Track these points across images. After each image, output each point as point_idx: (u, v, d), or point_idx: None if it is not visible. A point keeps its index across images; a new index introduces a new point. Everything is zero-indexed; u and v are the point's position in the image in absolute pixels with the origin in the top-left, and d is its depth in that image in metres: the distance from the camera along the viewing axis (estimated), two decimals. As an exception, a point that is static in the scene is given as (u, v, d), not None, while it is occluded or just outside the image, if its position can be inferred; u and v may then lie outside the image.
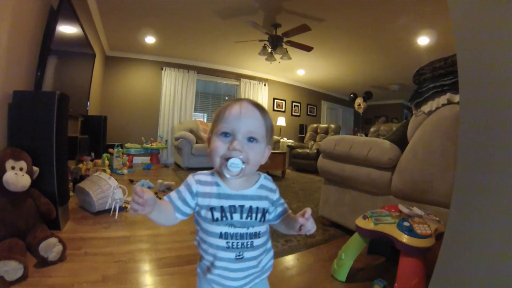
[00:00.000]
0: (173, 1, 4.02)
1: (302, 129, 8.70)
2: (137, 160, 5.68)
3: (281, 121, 8.18)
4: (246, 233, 0.74)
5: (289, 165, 6.60)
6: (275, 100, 8.50)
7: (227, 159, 0.69)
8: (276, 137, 6.73)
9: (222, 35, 5.24)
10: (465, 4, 0.88)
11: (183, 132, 5.56)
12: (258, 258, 0.77)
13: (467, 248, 0.85)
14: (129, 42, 5.66)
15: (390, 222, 1.45)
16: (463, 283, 0.85)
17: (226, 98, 7.68)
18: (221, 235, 0.72)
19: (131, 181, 3.64)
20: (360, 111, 8.12)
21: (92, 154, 3.71)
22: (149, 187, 3.38)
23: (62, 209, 1.95)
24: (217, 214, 0.71)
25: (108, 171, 3.49)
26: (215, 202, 0.72)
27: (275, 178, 4.69)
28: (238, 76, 7.63)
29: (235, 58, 6.70)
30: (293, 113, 8.94)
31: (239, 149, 0.70)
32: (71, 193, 2.39)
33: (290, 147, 6.76)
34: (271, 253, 0.84)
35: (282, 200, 0.84)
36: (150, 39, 5.52)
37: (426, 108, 1.80)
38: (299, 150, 6.50)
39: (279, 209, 0.83)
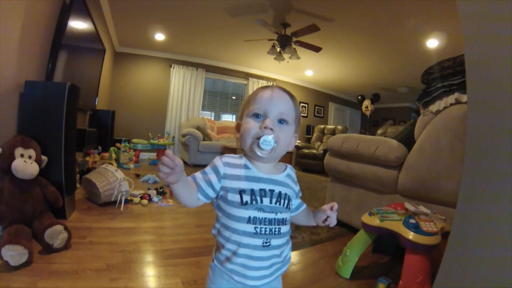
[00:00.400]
0: (184, -1, 4.04)
1: (309, 130, 8.67)
2: (143, 155, 5.71)
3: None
4: (275, 219, 0.72)
5: (296, 165, 6.59)
6: (283, 101, 8.46)
7: (259, 138, 0.69)
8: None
9: (231, 33, 5.25)
10: (474, 4, 0.88)
11: (190, 129, 5.58)
12: (282, 248, 0.75)
13: (472, 247, 0.85)
14: (139, 38, 5.69)
15: (396, 219, 1.44)
16: (468, 282, 0.84)
17: (234, 97, 7.69)
18: (249, 220, 0.69)
19: (137, 176, 3.66)
20: (368, 113, 8.08)
21: (100, 147, 3.74)
22: (155, 182, 3.39)
23: (69, 198, 1.96)
24: (246, 197, 0.69)
25: (115, 164, 3.51)
26: (244, 185, 0.71)
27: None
28: (247, 75, 7.64)
29: (243, 57, 6.71)
30: (301, 114, 8.88)
31: (271, 127, 0.70)
32: (77, 185, 2.41)
33: (297, 147, 6.76)
34: (290, 245, 0.81)
35: (300, 194, 0.86)
36: (159, 36, 5.55)
37: (434, 107, 1.79)
38: (306, 151, 6.49)
39: (298, 201, 0.85)
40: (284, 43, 4.80)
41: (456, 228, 0.91)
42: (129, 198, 2.48)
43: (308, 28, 4.31)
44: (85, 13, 2.80)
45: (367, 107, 8.02)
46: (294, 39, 4.80)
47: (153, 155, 5.73)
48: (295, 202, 0.83)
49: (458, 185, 1.43)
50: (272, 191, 0.72)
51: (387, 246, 1.84)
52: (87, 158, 3.22)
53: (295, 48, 5.01)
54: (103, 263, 1.43)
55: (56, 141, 1.84)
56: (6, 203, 1.51)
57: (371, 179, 2.04)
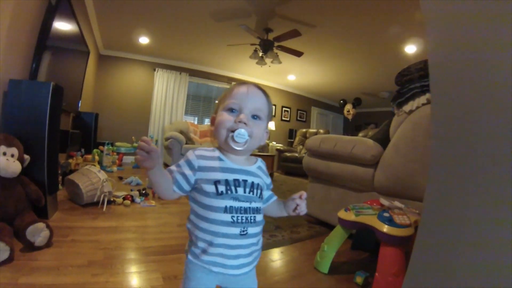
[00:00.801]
0: (169, 2, 4.07)
1: (292, 134, 8.77)
2: (127, 159, 5.67)
3: (270, 125, 8.19)
4: (250, 208, 0.75)
5: (278, 169, 6.67)
6: (266, 105, 8.53)
7: (233, 131, 0.72)
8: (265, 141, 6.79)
9: (215, 38, 5.30)
10: (437, 8, 0.94)
11: (173, 132, 5.58)
12: (259, 236, 0.79)
13: (441, 235, 0.89)
14: (123, 41, 5.68)
15: (371, 214, 1.51)
16: (438, 268, 0.89)
17: (217, 101, 7.70)
18: (226, 209, 0.72)
19: (120, 178, 3.65)
20: (350, 117, 8.24)
21: (82, 150, 3.72)
22: (137, 184, 3.40)
23: (51, 198, 1.96)
24: (222, 188, 0.72)
25: (98, 166, 3.49)
26: (219, 176, 0.74)
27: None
28: (230, 80, 7.69)
29: (227, 61, 6.76)
30: (283, 118, 9.01)
31: (245, 121, 0.74)
32: (60, 187, 2.40)
33: (279, 151, 6.84)
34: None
35: (271, 185, 0.90)
36: (144, 40, 5.55)
37: (407, 107, 1.89)
38: (288, 154, 6.58)
39: (269, 193, 0.89)
40: (266, 48, 4.88)
41: (424, 219, 0.97)
42: (111, 199, 2.48)
43: (289, 33, 4.41)
44: (70, 15, 2.81)
45: (349, 111, 8.18)
46: (276, 44, 4.89)
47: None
48: (266, 193, 0.87)
49: None
50: (245, 181, 0.76)
51: (365, 243, 1.91)
52: (70, 160, 3.20)
53: (276, 53, 5.10)
54: (85, 260, 1.44)
55: (39, 140, 1.84)
56: (-12, 200, 1.51)
57: (349, 178, 2.11)
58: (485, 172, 0.76)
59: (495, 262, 0.72)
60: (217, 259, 0.73)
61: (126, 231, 1.92)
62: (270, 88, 8.54)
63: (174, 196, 0.76)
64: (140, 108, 6.55)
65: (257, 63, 5.48)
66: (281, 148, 7.00)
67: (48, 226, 1.53)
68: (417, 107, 1.82)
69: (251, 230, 0.75)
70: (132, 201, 2.60)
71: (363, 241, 1.91)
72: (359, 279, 1.46)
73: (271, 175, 5.29)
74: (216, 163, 0.76)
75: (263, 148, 6.44)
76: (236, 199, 0.73)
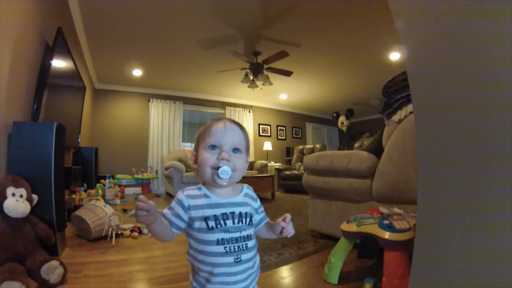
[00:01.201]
0: (158, 34, 4.23)
1: (289, 151, 8.85)
2: (128, 190, 5.70)
3: (267, 145, 8.32)
4: (240, 237, 0.79)
5: (279, 188, 6.69)
6: (260, 126, 8.69)
7: (217, 168, 0.77)
8: (263, 162, 6.85)
9: (206, 65, 5.45)
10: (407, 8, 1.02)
11: (172, 161, 5.63)
12: (253, 260, 0.82)
13: (436, 236, 0.95)
14: (117, 75, 5.82)
15: (371, 223, 1.56)
16: (439, 264, 0.94)
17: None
18: (218, 242, 0.76)
19: (125, 211, 3.68)
20: (344, 129, 8.36)
21: (85, 184, 3.76)
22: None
23: (60, 235, 2.00)
24: (211, 223, 0.77)
25: (102, 200, 3.52)
26: (208, 212, 0.78)
27: (265, 200, 4.82)
28: (223, 104, 7.83)
29: (219, 87, 6.91)
30: (279, 137, 9.11)
31: (227, 158, 0.79)
32: (67, 223, 2.43)
33: (278, 170, 6.89)
34: (258, 256, 0.89)
35: (262, 209, 0.94)
36: (137, 72, 5.70)
37: (396, 117, 1.96)
38: (287, 172, 6.62)
39: (260, 216, 0.93)
40: (256, 71, 5.01)
41: (420, 221, 1.02)
42: (119, 232, 2.51)
43: (278, 54, 4.56)
44: (67, 53, 2.91)
45: (342, 123, 8.30)
46: (265, 66, 5.03)
47: (138, 190, 5.74)
48: (257, 217, 0.91)
49: None
50: (232, 213, 0.80)
51: (370, 251, 1.94)
52: (73, 196, 3.24)
53: (267, 75, 5.24)
54: (101, 294, 1.47)
55: (45, 179, 1.90)
56: (-1, 241, 1.54)
57: (347, 190, 2.16)
58: (470, 171, 0.81)
59: (488, 253, 0.77)
60: (219, 286, 0.78)
61: (136, 263, 1.95)
62: (263, 109, 8.68)
63: (173, 237, 0.81)
64: (138, 139, 6.64)
65: (249, 86, 5.61)
66: (280, 167, 7.05)
67: (61, 264, 1.56)
68: (405, 116, 1.89)
69: (245, 256, 0.79)
70: (140, 232, 2.62)
71: (368, 249, 1.94)
72: (368, 286, 1.49)
73: (272, 195, 5.32)
74: (203, 201, 0.81)
75: (262, 169, 6.49)
76: (226, 231, 0.78)
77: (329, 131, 10.60)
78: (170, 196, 5.68)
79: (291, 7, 3.60)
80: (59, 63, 2.74)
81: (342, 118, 8.31)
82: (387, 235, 1.44)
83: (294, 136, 9.54)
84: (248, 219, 0.83)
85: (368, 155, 2.07)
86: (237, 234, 0.79)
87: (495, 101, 0.76)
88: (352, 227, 1.61)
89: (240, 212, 0.82)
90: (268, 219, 0.95)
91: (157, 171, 6.49)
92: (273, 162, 7.91)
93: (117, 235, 2.46)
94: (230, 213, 0.80)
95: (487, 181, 0.78)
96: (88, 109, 5.40)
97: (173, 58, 5.13)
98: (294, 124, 9.60)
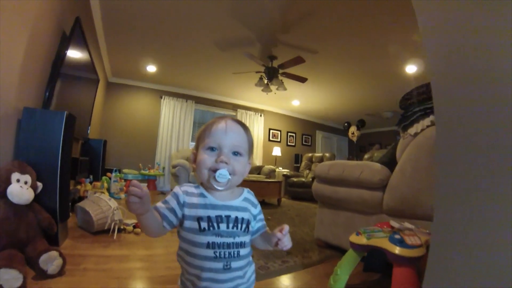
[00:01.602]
0: (175, 33, 4.23)
1: (298, 158, 8.78)
2: (134, 186, 5.69)
3: (276, 151, 8.28)
4: (233, 243, 0.75)
5: (285, 194, 6.63)
6: (271, 131, 8.66)
7: (215, 170, 0.74)
8: (271, 167, 6.80)
9: (221, 66, 5.45)
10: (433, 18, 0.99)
11: (180, 160, 5.62)
12: (244, 269, 0.78)
13: (451, 253, 0.90)
14: (131, 69, 5.85)
15: (382, 236, 1.50)
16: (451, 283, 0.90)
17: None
18: (208, 245, 0.72)
19: (128, 205, 3.64)
20: (354, 139, 8.27)
21: (91, 176, 3.75)
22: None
23: (62, 225, 1.98)
24: (204, 224, 0.73)
25: (107, 194, 3.51)
26: (202, 212, 0.74)
27: (270, 206, 4.76)
28: (235, 107, 7.81)
29: (232, 88, 6.90)
30: (289, 143, 9.06)
31: (226, 161, 0.75)
32: (70, 213, 2.41)
33: (285, 176, 6.83)
34: (253, 266, 0.84)
35: (262, 216, 0.88)
36: (151, 68, 5.72)
37: (412, 130, 1.92)
38: (295, 179, 6.56)
39: (258, 224, 0.87)
40: (271, 75, 4.99)
41: (434, 238, 0.98)
42: (122, 227, 2.48)
43: (293, 60, 4.52)
44: (83, 44, 2.92)
45: (353, 133, 8.22)
46: (280, 71, 5.00)
47: (144, 186, 5.71)
48: (256, 224, 0.86)
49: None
50: (228, 216, 0.76)
51: (377, 264, 1.88)
52: (78, 187, 3.23)
53: (281, 80, 5.19)
54: (99, 288, 1.44)
55: (51, 168, 1.88)
56: (0, 226, 1.52)
57: (357, 201, 2.11)
58: (491, 186, 0.77)
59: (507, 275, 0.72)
60: None
61: (137, 260, 1.91)
62: (275, 114, 8.66)
63: (164, 232, 0.77)
64: (147, 135, 6.65)
65: (262, 90, 5.58)
66: (288, 173, 7.00)
67: (61, 255, 1.53)
68: (422, 129, 1.85)
69: (235, 264, 0.75)
70: (142, 228, 2.59)
71: (375, 262, 1.88)
72: (373, 302, 1.44)
73: (278, 201, 5.25)
74: (199, 200, 0.77)
75: (270, 174, 6.44)
76: (218, 235, 0.74)
77: (338, 141, 10.52)
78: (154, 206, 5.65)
79: (310, 13, 3.58)
80: (74, 53, 2.74)
81: (353, 129, 8.23)
82: (397, 250, 1.38)
83: (303, 143, 9.48)
84: (244, 225, 0.79)
85: (381, 167, 2.02)
86: (229, 240, 0.75)
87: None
88: (361, 240, 1.55)
89: (236, 217, 0.77)
90: (266, 228, 0.89)
91: (164, 168, 6.48)
92: (281, 168, 7.85)
93: (120, 230, 2.43)
94: (225, 216, 0.76)
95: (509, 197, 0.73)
96: (100, 102, 5.42)
97: (188, 57, 5.13)
98: (305, 131, 9.54)
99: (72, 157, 2.39)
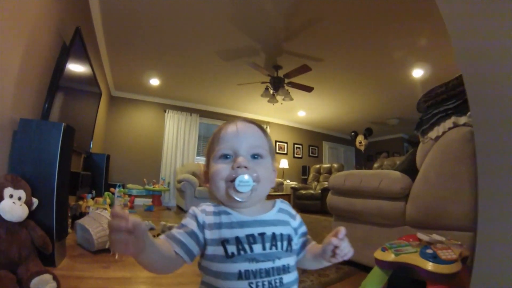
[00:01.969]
0: (178, 45, 4.19)
1: (305, 170, 8.63)
2: (138, 201, 5.56)
3: (283, 163, 8.17)
4: (273, 268, 0.58)
5: (294, 207, 6.42)
6: (277, 143, 8.55)
7: (233, 180, 0.59)
8: (279, 180, 6.66)
9: (225, 78, 5.38)
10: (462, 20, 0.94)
11: (186, 174, 5.50)
12: None
13: (499, 263, 0.83)
14: (134, 83, 5.80)
15: (411, 252, 1.35)
16: None
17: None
18: (240, 275, 0.56)
19: (132, 222, 3.50)
20: (362, 148, 8.11)
21: (93, 191, 3.63)
22: (151, 229, 3.24)
23: (59, 244, 1.84)
24: (232, 248, 0.57)
25: (109, 210, 3.38)
26: (227, 233, 0.59)
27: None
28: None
29: (237, 101, 6.82)
30: (295, 155, 8.94)
31: (245, 165, 0.60)
32: (69, 230, 2.28)
33: (293, 189, 6.69)
34: None
35: (304, 229, 0.72)
36: (154, 81, 5.67)
37: (433, 134, 1.80)
38: (303, 191, 6.42)
39: (302, 239, 0.70)
40: (277, 85, 4.90)
41: (480, 248, 0.87)
42: (124, 245, 2.33)
43: (300, 68, 4.43)
44: (84, 55, 2.84)
45: (360, 142, 8.07)
46: (286, 80, 4.91)
47: (148, 201, 5.58)
48: (299, 241, 0.69)
49: (466, 208, 1.46)
50: (262, 234, 0.60)
51: (401, 281, 1.72)
52: (80, 202, 3.10)
53: (288, 90, 5.10)
54: (96, 315, 1.29)
55: (48, 183, 1.75)
56: (-10, 246, 1.39)
57: (376, 214, 1.97)
58: None
59: None
60: None
61: (141, 283, 1.76)
62: (281, 126, 8.58)
63: (178, 267, 0.60)
64: (151, 149, 6.55)
65: (268, 101, 5.47)
66: (296, 186, 6.84)
67: (55, 278, 1.40)
68: (444, 132, 1.73)
69: None
70: (146, 246, 2.42)
71: (400, 281, 1.72)
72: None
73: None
74: (221, 218, 0.61)
75: (278, 187, 6.28)
76: (252, 260, 0.57)
77: (345, 151, 10.39)
78: (181, 210, 5.50)
79: (314, 20, 3.52)
80: (75, 64, 2.66)
81: (360, 138, 8.08)
82: (430, 266, 1.23)
83: (310, 154, 9.35)
84: (285, 243, 0.62)
85: (401, 175, 1.88)
86: (268, 265, 0.58)
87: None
88: (388, 256, 1.40)
89: (273, 233, 0.61)
90: (313, 241, 0.72)
91: (169, 183, 6.35)
92: (288, 181, 7.69)
93: (122, 248, 2.27)
94: (259, 234, 0.60)
95: None
96: (102, 116, 5.36)
97: (192, 69, 5.07)
98: (311, 142, 9.42)
99: (73, 171, 2.28)
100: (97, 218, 2.29)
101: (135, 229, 0.43)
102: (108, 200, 3.52)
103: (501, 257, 0.81)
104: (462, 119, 1.65)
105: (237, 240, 0.58)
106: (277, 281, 0.58)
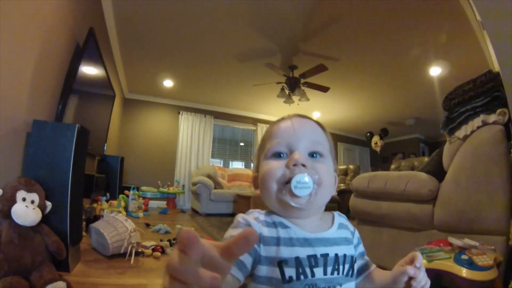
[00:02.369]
0: (192, 46, 4.14)
1: (320, 172, 8.48)
2: (152, 204, 5.54)
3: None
4: None
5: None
6: (292, 144, 8.41)
7: (288, 181, 0.49)
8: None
9: (240, 79, 5.32)
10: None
11: (201, 177, 5.45)
12: None
13: None
14: (148, 85, 5.80)
15: (445, 257, 1.26)
16: None
17: (242, 144, 7.63)
18: None
19: (147, 225, 3.47)
20: (378, 149, 7.93)
21: (108, 194, 3.61)
22: (166, 232, 3.20)
23: (74, 249, 1.79)
24: (290, 271, 0.47)
25: (124, 213, 3.35)
26: (286, 252, 0.48)
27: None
28: (255, 121, 7.65)
29: (252, 102, 6.76)
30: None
31: (303, 163, 0.51)
32: (83, 233, 2.24)
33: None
34: None
35: (362, 248, 0.62)
36: (168, 83, 5.64)
37: (460, 133, 1.72)
38: (319, 193, 6.28)
39: (361, 261, 0.61)
40: (293, 85, 4.82)
41: None
42: (140, 250, 2.27)
43: (316, 68, 4.34)
44: (98, 57, 2.82)
45: (376, 143, 7.89)
46: (302, 80, 4.82)
47: (163, 204, 5.56)
48: (358, 262, 0.59)
49: (501, 211, 1.40)
50: (325, 256, 0.50)
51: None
52: (95, 205, 3.08)
53: (304, 90, 5.01)
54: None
55: (62, 186, 1.71)
56: (2, 250, 1.36)
57: (403, 217, 1.87)
58: None
59: None
60: None
61: (156, 290, 1.69)
62: (296, 127, 8.44)
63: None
64: (166, 152, 6.53)
65: (284, 101, 5.39)
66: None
67: (69, 286, 1.36)
68: (472, 131, 1.66)
69: None
70: (162, 252, 2.35)
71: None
72: None
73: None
74: (278, 232, 0.51)
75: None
76: (313, 286, 0.48)
77: (360, 152, 10.20)
78: (195, 213, 5.46)
79: (332, 20, 3.45)
80: (89, 66, 2.65)
81: (376, 138, 7.90)
82: (466, 272, 1.15)
83: (326, 156, 9.19)
84: (347, 266, 0.52)
85: (428, 177, 1.80)
86: None
87: None
88: (420, 263, 1.30)
89: (336, 255, 0.51)
90: (374, 266, 0.62)
91: (184, 186, 6.31)
92: (304, 183, 7.57)
93: (137, 253, 2.20)
94: (321, 256, 0.50)
95: None
96: (116, 118, 5.37)
97: (206, 70, 5.02)
98: (326, 143, 9.26)
99: (87, 174, 2.25)
100: (112, 222, 2.24)
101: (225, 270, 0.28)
102: (122, 203, 3.51)
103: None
104: (492, 117, 1.59)
105: (298, 262, 0.48)
106: None
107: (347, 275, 0.52)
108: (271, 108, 7.16)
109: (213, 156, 7.09)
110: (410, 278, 0.50)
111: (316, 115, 7.66)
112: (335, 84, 5.23)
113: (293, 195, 0.48)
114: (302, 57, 4.42)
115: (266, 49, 4.22)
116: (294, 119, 0.58)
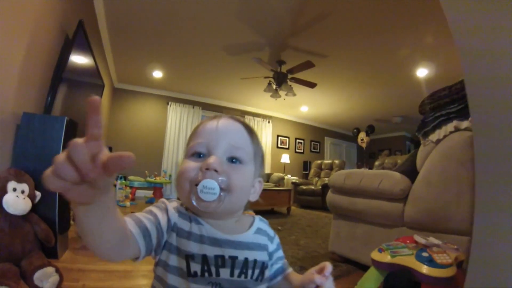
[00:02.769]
0: (182, 38, 4.16)
1: (306, 165, 8.64)
2: (140, 193, 5.59)
3: (285, 158, 8.17)
4: None
5: (294, 202, 6.48)
6: (279, 137, 8.55)
7: (198, 184, 0.49)
8: (280, 174, 6.65)
9: (228, 71, 5.37)
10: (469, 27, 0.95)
11: (187, 166, 5.51)
12: None
13: (494, 268, 0.85)
14: (137, 75, 5.79)
15: (407, 254, 1.37)
16: None
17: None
18: None
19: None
20: (364, 145, 8.10)
21: (95, 184, 3.65)
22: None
23: (62, 237, 1.87)
24: (195, 266, 0.49)
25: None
26: (194, 247, 0.50)
27: (280, 215, 4.60)
28: (243, 113, 7.71)
29: (239, 94, 6.81)
30: (297, 150, 8.94)
31: (215, 168, 0.50)
32: (71, 222, 2.30)
33: (295, 184, 6.70)
34: None
35: (281, 253, 0.64)
36: (157, 74, 5.65)
37: (434, 136, 1.81)
38: (304, 187, 6.42)
39: (277, 265, 0.63)
40: (280, 80, 4.89)
41: (474, 255, 0.88)
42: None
43: (303, 64, 4.42)
44: (87, 48, 2.83)
45: (362, 139, 8.05)
46: (290, 76, 4.89)
47: (149, 193, 5.62)
48: (274, 266, 0.62)
49: (467, 212, 1.45)
50: (234, 258, 0.51)
51: (397, 282, 1.74)
52: (82, 196, 3.12)
53: (291, 85, 5.09)
54: (97, 308, 1.32)
55: (51, 176, 1.77)
56: (-7, 239, 1.42)
57: (376, 213, 1.98)
58: None
59: None
60: None
61: (142, 276, 1.78)
62: (283, 120, 8.56)
63: (126, 254, 0.46)
64: (154, 142, 6.56)
65: (271, 96, 5.47)
66: (297, 181, 6.85)
67: (57, 271, 1.42)
68: (445, 136, 1.74)
69: None
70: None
71: (396, 282, 1.74)
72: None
73: (288, 210, 5.08)
74: (192, 227, 0.52)
75: (279, 182, 6.27)
76: (216, 285, 0.49)
77: (347, 147, 10.38)
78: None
79: (321, 16, 3.50)
80: (78, 57, 2.65)
81: (362, 135, 8.07)
82: (425, 269, 1.24)
83: (312, 150, 9.36)
84: (257, 271, 0.54)
85: (401, 176, 1.90)
86: None
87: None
88: (385, 257, 1.41)
89: (246, 259, 0.53)
90: (290, 269, 0.65)
91: (170, 176, 6.36)
92: (290, 176, 7.70)
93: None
94: (230, 257, 0.51)
95: None
96: (105, 108, 5.39)
97: (196, 62, 5.06)
98: (313, 138, 9.42)
99: (75, 164, 2.28)
100: (99, 211, 2.30)
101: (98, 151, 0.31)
102: (110, 192, 3.55)
103: (495, 262, 0.82)
104: (464, 124, 1.66)
105: (204, 259, 0.50)
106: None
107: (256, 279, 0.54)
108: (258, 101, 7.25)
109: (200, 147, 7.12)
110: (317, 287, 0.53)
111: (304, 109, 7.76)
112: (323, 80, 5.32)
113: (198, 198, 0.48)
114: (291, 52, 4.48)
115: (255, 43, 4.27)
116: (221, 121, 0.57)
